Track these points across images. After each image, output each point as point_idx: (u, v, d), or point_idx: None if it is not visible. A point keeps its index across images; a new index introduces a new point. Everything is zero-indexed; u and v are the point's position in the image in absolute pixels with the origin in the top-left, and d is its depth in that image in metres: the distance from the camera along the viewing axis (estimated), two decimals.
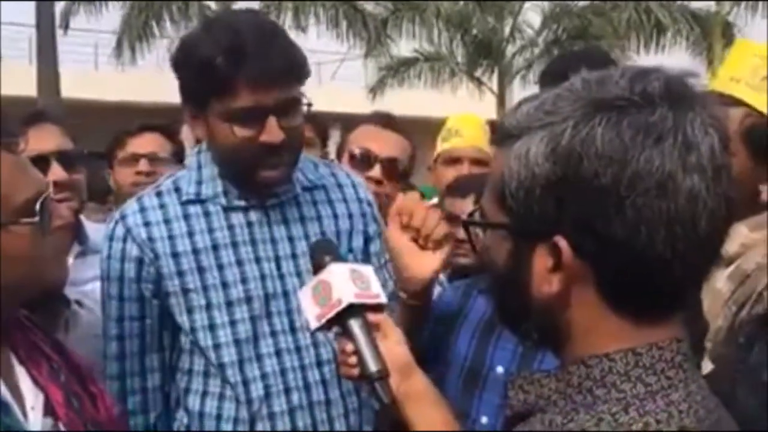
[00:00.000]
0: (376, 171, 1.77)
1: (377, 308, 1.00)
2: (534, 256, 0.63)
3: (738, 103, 1.30)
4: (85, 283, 1.55)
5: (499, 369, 1.31)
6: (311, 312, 1.00)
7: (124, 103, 12.15)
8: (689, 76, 0.63)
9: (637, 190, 0.58)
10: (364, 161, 1.78)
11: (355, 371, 0.97)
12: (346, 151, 1.82)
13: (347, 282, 0.98)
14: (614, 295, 0.62)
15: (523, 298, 0.64)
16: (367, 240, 1.39)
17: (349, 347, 0.97)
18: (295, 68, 1.25)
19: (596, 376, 0.62)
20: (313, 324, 1.00)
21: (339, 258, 1.04)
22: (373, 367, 0.94)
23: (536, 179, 0.61)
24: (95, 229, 1.71)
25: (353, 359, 0.96)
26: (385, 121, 1.88)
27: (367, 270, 1.03)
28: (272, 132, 1.21)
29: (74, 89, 11.01)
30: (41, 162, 1.44)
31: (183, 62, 1.27)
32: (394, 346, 0.96)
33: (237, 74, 1.19)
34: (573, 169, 0.59)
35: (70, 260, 1.57)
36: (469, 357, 1.35)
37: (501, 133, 0.64)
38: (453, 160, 2.26)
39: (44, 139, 1.52)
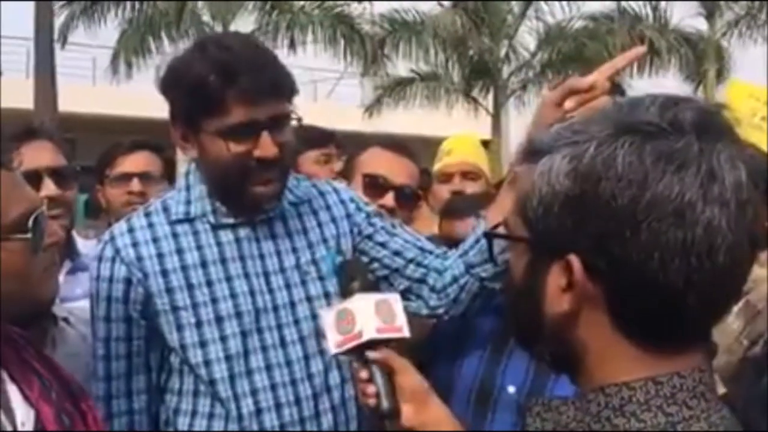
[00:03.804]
0: (389, 199, 1.75)
1: (399, 340, 1.00)
2: (549, 273, 0.63)
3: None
4: (76, 299, 1.55)
5: (511, 389, 1.29)
6: (332, 337, 1.01)
7: (121, 118, 12.18)
8: (722, 109, 0.63)
9: (653, 215, 0.58)
10: (377, 188, 1.76)
11: (371, 401, 0.98)
12: (357, 173, 1.81)
13: (371, 315, 0.98)
14: (626, 320, 0.61)
15: (536, 315, 0.64)
16: (358, 226, 1.38)
17: (364, 374, 0.98)
18: (285, 84, 1.28)
19: (615, 405, 0.61)
20: (333, 350, 1.01)
21: (367, 280, 1.04)
22: (385, 404, 0.96)
23: (556, 195, 0.61)
24: (87, 245, 1.70)
25: (371, 389, 0.98)
26: (397, 146, 1.87)
27: (395, 299, 1.02)
28: (266, 147, 1.23)
29: (71, 103, 11.03)
30: (34, 178, 1.44)
31: (174, 83, 1.28)
32: (411, 376, 0.97)
33: (230, 90, 1.21)
34: (592, 188, 0.59)
35: (61, 277, 1.57)
36: (479, 376, 1.34)
37: (530, 150, 0.65)
38: (445, 176, 2.31)
39: (37, 155, 1.52)
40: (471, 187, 2.19)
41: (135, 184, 1.99)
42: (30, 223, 0.89)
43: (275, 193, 1.30)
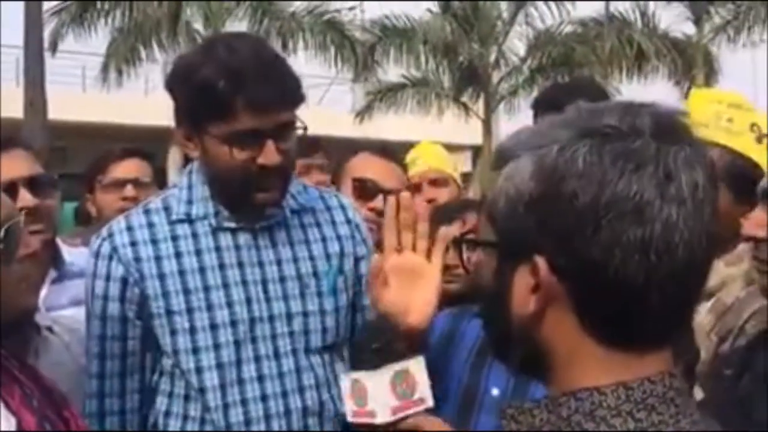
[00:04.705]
0: (379, 201, 1.76)
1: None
2: (516, 275, 0.64)
3: (712, 144, 1.36)
4: (62, 308, 1.53)
5: (495, 391, 1.30)
6: (348, 407, 0.98)
7: (111, 126, 12.15)
8: (681, 114, 0.64)
9: (613, 212, 0.59)
10: (366, 191, 1.79)
11: None
12: (347, 177, 1.83)
13: (386, 394, 0.94)
14: (592, 321, 0.62)
15: (506, 318, 0.65)
16: (357, 261, 1.38)
17: None
18: (292, 93, 1.27)
19: (586, 410, 0.61)
20: (349, 417, 0.98)
21: (388, 343, 1.00)
22: None
23: (521, 197, 0.63)
24: (72, 253, 1.69)
25: None
26: (385, 152, 1.90)
27: (416, 367, 0.97)
28: (270, 155, 1.23)
29: (61, 111, 10.99)
30: (10, 190, 1.41)
31: (181, 83, 1.28)
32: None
33: (237, 98, 1.21)
34: (554, 188, 0.61)
35: (46, 286, 1.55)
36: (463, 380, 1.35)
37: (498, 157, 0.67)
38: (413, 186, 2.32)
39: (12, 165, 1.48)
40: (441, 194, 2.21)
41: (129, 190, 2.01)
42: (2, 233, 0.88)
43: (276, 200, 1.30)
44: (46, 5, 11.16)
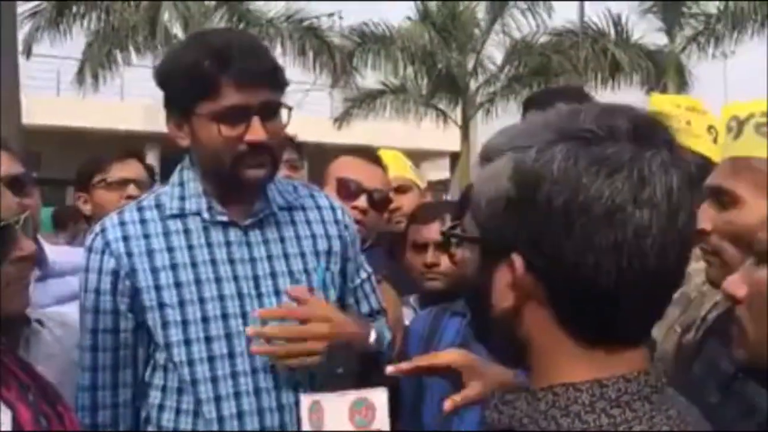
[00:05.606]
0: (362, 201, 1.82)
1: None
2: (496, 272, 0.65)
3: None
4: (46, 306, 1.52)
5: None
6: (304, 425, 0.98)
7: (86, 130, 12.01)
8: (659, 117, 0.65)
9: (585, 216, 0.60)
10: (350, 191, 1.83)
11: None
12: (331, 178, 1.88)
13: (344, 419, 0.95)
14: (567, 319, 0.64)
15: (488, 311, 0.67)
16: (345, 262, 1.41)
17: None
18: (276, 73, 1.31)
19: (562, 405, 0.63)
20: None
21: (351, 368, 1.01)
22: None
23: (500, 198, 0.64)
24: (54, 251, 1.69)
25: None
26: (368, 154, 1.95)
27: (378, 397, 0.97)
28: (256, 131, 1.25)
29: (36, 116, 10.85)
30: None
31: (170, 69, 1.31)
32: None
33: (223, 74, 1.24)
34: (530, 191, 0.62)
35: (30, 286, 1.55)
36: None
37: (483, 155, 0.68)
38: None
39: None
40: (404, 200, 2.26)
41: (132, 189, 2.07)
42: None
43: (265, 177, 1.31)
44: (20, 8, 11.02)
